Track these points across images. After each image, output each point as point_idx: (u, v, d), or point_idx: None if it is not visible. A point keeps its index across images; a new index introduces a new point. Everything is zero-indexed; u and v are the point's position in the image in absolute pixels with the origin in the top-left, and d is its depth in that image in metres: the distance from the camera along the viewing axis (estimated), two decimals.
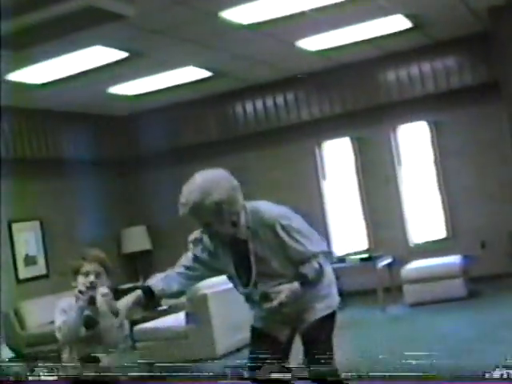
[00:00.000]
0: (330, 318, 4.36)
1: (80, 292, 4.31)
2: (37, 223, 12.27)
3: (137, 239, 12.74)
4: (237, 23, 8.77)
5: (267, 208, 4.20)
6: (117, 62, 9.66)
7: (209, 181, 4.02)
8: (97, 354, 4.23)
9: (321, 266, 4.19)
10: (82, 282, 4.35)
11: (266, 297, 4.19)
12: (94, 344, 4.30)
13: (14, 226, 11.84)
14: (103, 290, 4.31)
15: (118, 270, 13.28)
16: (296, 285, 4.14)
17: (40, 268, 12.19)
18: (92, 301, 4.33)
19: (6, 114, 11.32)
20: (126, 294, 4.25)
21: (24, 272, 11.89)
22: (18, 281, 11.77)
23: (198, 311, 8.88)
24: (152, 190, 14.04)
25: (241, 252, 4.17)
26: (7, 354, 10.81)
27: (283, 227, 4.10)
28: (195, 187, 3.99)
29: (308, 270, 4.16)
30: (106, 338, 4.36)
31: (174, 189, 15.26)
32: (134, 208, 14.12)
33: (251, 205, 4.16)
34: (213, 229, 4.09)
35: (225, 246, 4.20)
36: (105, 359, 4.22)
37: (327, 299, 4.35)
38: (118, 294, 14.10)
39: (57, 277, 12.28)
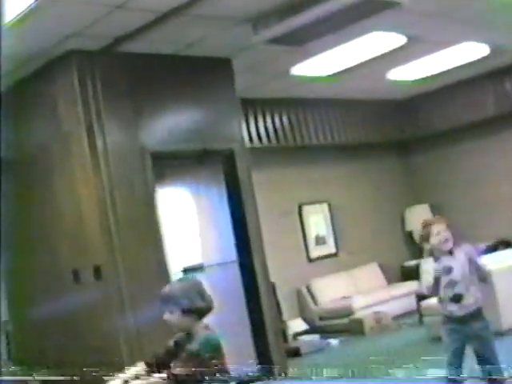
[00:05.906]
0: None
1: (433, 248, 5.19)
2: (325, 205, 12.54)
3: (420, 217, 12.53)
4: None
5: None
6: (395, 49, 9.55)
7: None
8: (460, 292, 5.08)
9: None
10: (435, 240, 5.17)
11: None
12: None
13: (305, 209, 12.18)
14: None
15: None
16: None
17: (329, 247, 12.44)
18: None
19: (293, 105, 11.66)
20: (411, 271, 4.62)
21: (314, 251, 12.20)
22: (309, 260, 12.12)
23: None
24: (433, 169, 13.81)
25: None
26: (302, 326, 11.22)
27: None
28: None
29: None
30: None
31: (452, 167, 14.72)
32: (417, 187, 14.00)
33: None
34: None
35: None
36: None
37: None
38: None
39: (345, 255, 12.50)
